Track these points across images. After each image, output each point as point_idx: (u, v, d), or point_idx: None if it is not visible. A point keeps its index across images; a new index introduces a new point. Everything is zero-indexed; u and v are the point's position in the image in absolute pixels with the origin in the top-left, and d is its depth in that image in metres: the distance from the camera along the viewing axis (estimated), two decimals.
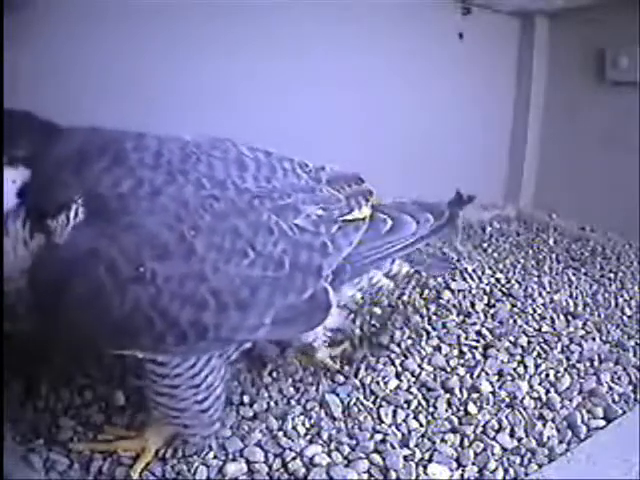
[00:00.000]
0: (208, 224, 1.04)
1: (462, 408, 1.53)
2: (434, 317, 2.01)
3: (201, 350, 1.14)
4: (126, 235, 0.99)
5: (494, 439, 1.42)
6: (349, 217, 1.29)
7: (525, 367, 1.72)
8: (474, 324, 1.97)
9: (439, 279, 2.36)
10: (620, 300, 2.22)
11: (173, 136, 1.19)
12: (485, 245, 2.87)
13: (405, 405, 1.53)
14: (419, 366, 1.71)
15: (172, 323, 1.03)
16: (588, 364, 1.76)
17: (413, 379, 1.65)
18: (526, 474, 1.32)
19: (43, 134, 1.06)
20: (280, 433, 1.41)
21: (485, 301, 2.17)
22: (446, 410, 1.52)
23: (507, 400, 1.56)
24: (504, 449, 1.39)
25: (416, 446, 1.39)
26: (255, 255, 1.09)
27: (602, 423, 1.48)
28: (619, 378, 1.68)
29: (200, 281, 1.03)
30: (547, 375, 1.68)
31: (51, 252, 1.00)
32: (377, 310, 2.03)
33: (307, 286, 1.19)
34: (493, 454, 1.37)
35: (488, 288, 2.29)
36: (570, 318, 2.05)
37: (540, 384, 1.64)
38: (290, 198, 1.19)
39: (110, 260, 0.97)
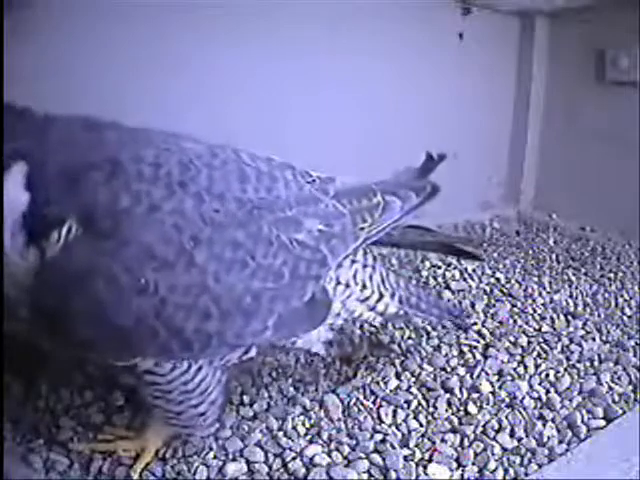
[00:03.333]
0: (208, 235, 1.03)
1: (462, 408, 1.53)
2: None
3: (207, 355, 1.15)
4: (124, 249, 0.97)
5: (494, 439, 1.42)
6: None
7: (525, 367, 1.72)
8: (474, 324, 1.97)
9: (439, 279, 2.36)
10: (620, 300, 2.22)
11: (173, 136, 1.16)
12: (485, 245, 2.87)
13: (405, 405, 1.53)
14: (419, 366, 1.71)
15: (176, 332, 1.03)
16: (588, 364, 1.76)
17: (413, 379, 1.65)
18: (526, 474, 1.32)
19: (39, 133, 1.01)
20: (280, 433, 1.41)
21: (485, 301, 2.17)
22: (446, 410, 1.52)
23: (507, 400, 1.56)
24: (504, 449, 1.39)
25: (416, 446, 1.39)
26: (256, 265, 1.09)
27: (602, 423, 1.48)
28: (619, 378, 1.68)
29: (202, 291, 1.03)
30: (547, 375, 1.68)
31: (47, 270, 0.97)
32: None
33: (307, 291, 1.20)
34: (493, 454, 1.37)
35: (488, 288, 2.29)
36: (570, 318, 2.05)
37: (540, 384, 1.64)
38: (291, 211, 1.16)
39: (110, 275, 0.96)
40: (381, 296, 1.46)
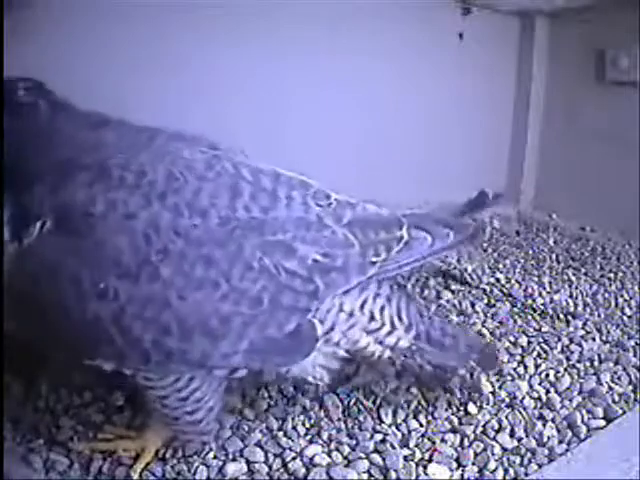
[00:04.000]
0: (178, 250, 1.00)
1: (462, 408, 1.53)
2: (434, 317, 2.01)
3: (175, 371, 1.11)
4: (89, 251, 0.98)
5: (494, 439, 1.42)
6: None
7: (525, 367, 1.72)
8: (474, 324, 1.97)
9: (439, 278, 2.36)
10: (620, 300, 2.22)
11: (181, 138, 1.15)
12: (485, 245, 2.87)
13: (405, 405, 1.53)
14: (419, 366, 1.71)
15: (133, 342, 1.01)
16: (588, 364, 1.76)
17: (413, 379, 1.65)
18: (526, 474, 1.32)
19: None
20: (280, 433, 1.41)
21: (485, 301, 2.17)
22: (446, 410, 1.52)
23: (507, 400, 1.56)
24: (504, 449, 1.39)
25: (416, 446, 1.39)
26: (229, 287, 1.03)
27: (602, 423, 1.48)
28: (619, 378, 1.68)
29: (163, 305, 1.00)
30: (547, 375, 1.68)
31: (18, 259, 1.01)
32: None
33: (290, 322, 1.11)
34: (493, 454, 1.37)
35: (488, 288, 2.29)
36: (570, 318, 2.05)
37: (540, 384, 1.64)
38: (285, 235, 1.08)
39: (71, 273, 0.97)
40: (393, 329, 1.32)
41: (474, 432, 1.44)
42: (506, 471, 1.33)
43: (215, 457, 1.33)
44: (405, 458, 1.34)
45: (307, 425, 1.45)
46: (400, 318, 1.33)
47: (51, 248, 0.98)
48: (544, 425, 1.46)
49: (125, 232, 0.98)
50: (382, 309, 1.30)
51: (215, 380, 1.20)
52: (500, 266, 2.55)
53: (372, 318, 1.29)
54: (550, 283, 2.36)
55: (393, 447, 1.37)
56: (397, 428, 1.45)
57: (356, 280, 1.17)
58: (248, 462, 1.32)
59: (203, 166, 1.09)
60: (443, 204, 1.39)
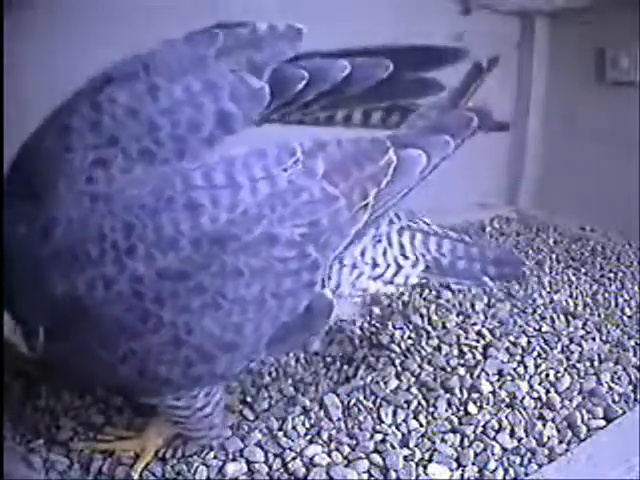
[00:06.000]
0: (169, 291, 0.99)
1: (462, 408, 1.53)
2: (434, 317, 2.01)
3: (203, 386, 1.18)
4: (94, 333, 1.01)
5: (494, 439, 1.42)
6: None
7: (525, 367, 1.72)
8: (474, 324, 1.97)
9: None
10: (620, 300, 2.21)
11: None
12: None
13: (405, 405, 1.53)
14: (419, 366, 1.71)
15: (164, 380, 1.07)
16: (588, 364, 1.76)
17: (413, 379, 1.65)
18: (526, 474, 1.32)
19: None
20: (280, 433, 1.41)
21: (485, 301, 2.17)
22: (446, 410, 1.52)
23: (507, 400, 1.56)
24: (504, 449, 1.39)
25: (416, 446, 1.39)
26: (229, 303, 1.02)
27: (602, 423, 1.48)
28: (619, 378, 1.68)
29: (176, 344, 1.02)
30: (547, 375, 1.68)
31: (41, 361, 1.13)
32: (377, 310, 2.03)
33: (300, 302, 1.10)
34: (493, 454, 1.37)
35: (488, 288, 2.29)
36: (570, 318, 2.05)
37: (540, 384, 1.64)
38: (260, 224, 1.00)
39: (89, 356, 1.03)
40: (399, 268, 1.29)
41: (474, 432, 1.44)
42: (506, 471, 1.33)
43: (215, 457, 1.33)
44: (405, 458, 1.34)
45: (307, 425, 1.45)
46: (405, 256, 1.30)
47: (63, 346, 1.04)
48: (544, 425, 1.46)
49: (114, 302, 0.99)
50: (384, 253, 1.27)
51: None
52: None
53: (375, 265, 1.26)
54: (550, 283, 2.36)
55: (393, 447, 1.37)
56: (397, 428, 1.45)
57: (353, 231, 1.10)
58: (248, 462, 1.32)
59: (153, 198, 0.99)
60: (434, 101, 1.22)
